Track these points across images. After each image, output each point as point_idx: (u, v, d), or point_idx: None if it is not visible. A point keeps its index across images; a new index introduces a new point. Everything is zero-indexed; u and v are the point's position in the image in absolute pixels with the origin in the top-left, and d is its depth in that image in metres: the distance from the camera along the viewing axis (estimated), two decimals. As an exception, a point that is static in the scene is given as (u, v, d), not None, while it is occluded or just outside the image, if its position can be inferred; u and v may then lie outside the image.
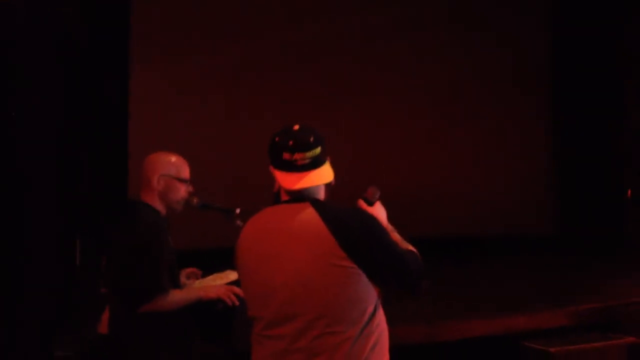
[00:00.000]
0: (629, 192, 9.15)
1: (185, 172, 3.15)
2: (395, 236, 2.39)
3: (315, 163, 2.24)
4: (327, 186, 2.34)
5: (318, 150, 2.25)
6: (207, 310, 3.06)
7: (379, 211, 2.49)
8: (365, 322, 2.17)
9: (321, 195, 2.32)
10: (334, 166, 2.34)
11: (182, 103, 7.38)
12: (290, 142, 2.24)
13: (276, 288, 2.20)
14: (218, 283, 3.21)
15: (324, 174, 2.27)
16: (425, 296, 2.30)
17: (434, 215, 8.06)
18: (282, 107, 7.53)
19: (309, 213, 2.20)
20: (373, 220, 2.25)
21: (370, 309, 2.19)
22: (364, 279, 2.16)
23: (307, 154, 2.23)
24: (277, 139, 2.27)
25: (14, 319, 4.32)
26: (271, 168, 2.30)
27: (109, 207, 5.67)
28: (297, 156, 2.23)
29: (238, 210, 3.30)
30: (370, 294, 2.19)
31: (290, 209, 2.25)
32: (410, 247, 2.36)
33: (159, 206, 3.11)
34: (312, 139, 2.25)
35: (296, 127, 2.28)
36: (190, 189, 3.18)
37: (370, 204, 2.49)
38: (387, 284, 2.23)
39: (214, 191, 4.67)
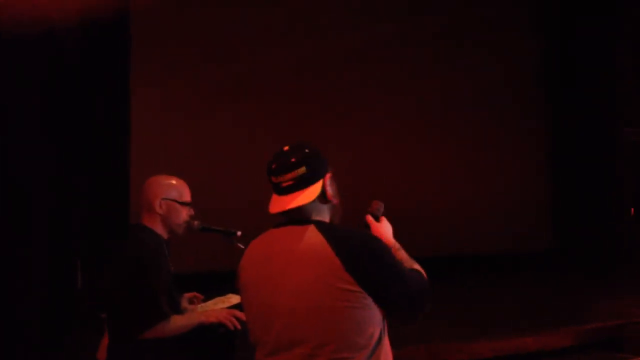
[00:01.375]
0: (632, 210, 9.16)
1: (187, 195, 3.13)
2: (401, 254, 2.34)
3: (300, 184, 2.19)
4: (332, 206, 2.28)
5: (302, 170, 2.19)
6: (208, 335, 3.02)
7: (385, 227, 2.42)
8: (372, 347, 2.12)
9: (324, 216, 2.26)
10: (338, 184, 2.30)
11: (184, 123, 7.39)
12: (273, 166, 2.23)
13: (280, 312, 2.15)
14: (220, 307, 3.18)
15: (310, 194, 2.20)
16: (426, 317, 2.25)
17: (431, 233, 8.03)
18: (282, 125, 7.54)
19: (314, 235, 2.15)
20: (378, 242, 2.20)
21: (377, 333, 2.14)
22: (370, 302, 2.11)
23: (287, 176, 2.19)
24: (268, 162, 2.25)
25: (13, 342, 4.28)
26: None
27: (110, 229, 5.65)
28: (280, 179, 2.21)
29: (239, 233, 3.27)
30: (376, 317, 2.14)
31: (294, 231, 2.20)
32: (416, 266, 2.32)
33: (161, 230, 3.08)
34: (294, 160, 2.20)
35: (286, 147, 2.25)
36: (192, 212, 3.16)
37: (377, 218, 2.43)
38: (393, 307, 2.18)
39: (215, 213, 4.64)
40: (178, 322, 2.94)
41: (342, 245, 2.11)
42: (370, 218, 2.42)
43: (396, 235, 2.42)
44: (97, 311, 3.22)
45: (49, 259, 4.76)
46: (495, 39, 8.97)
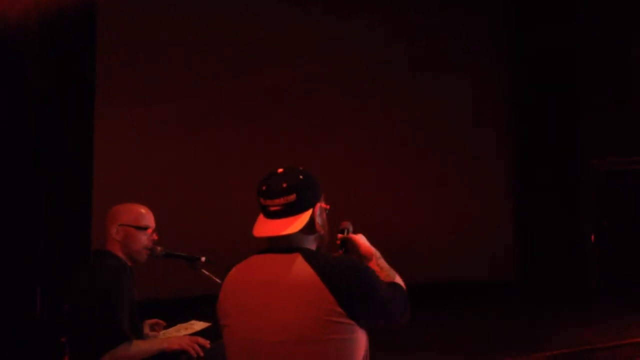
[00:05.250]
0: (592, 237, 9.28)
1: (145, 221, 3.08)
2: (382, 263, 2.32)
3: (288, 211, 2.12)
4: (320, 236, 2.21)
5: (292, 197, 2.12)
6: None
7: (360, 238, 2.38)
8: None
9: (311, 245, 2.18)
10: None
11: (148, 148, 7.29)
12: (264, 187, 2.16)
13: (264, 344, 2.07)
14: (182, 333, 3.12)
15: (298, 223, 2.12)
16: (392, 344, 2.23)
17: (404, 261, 8.00)
18: (255, 149, 7.50)
19: (301, 265, 2.06)
20: (367, 270, 2.12)
21: (362, 359, 2.10)
22: (358, 333, 2.06)
23: (276, 201, 2.12)
24: (259, 182, 2.18)
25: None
26: None
27: (71, 257, 5.54)
28: (268, 202, 2.14)
29: (203, 259, 3.22)
30: (362, 343, 2.09)
31: (279, 259, 2.11)
32: (397, 279, 2.29)
33: (123, 256, 3.03)
34: (284, 185, 2.12)
35: (280, 170, 2.18)
36: (154, 237, 3.10)
37: (345, 239, 2.39)
38: (381, 326, 2.14)
39: (181, 239, 4.58)
40: (140, 347, 2.88)
41: (333, 277, 2.04)
42: (340, 235, 2.38)
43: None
44: (57, 335, 3.15)
45: (8, 286, 4.66)
46: (465, 67, 9.08)
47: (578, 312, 7.46)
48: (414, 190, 8.78)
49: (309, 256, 2.10)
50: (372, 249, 2.35)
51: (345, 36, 8.41)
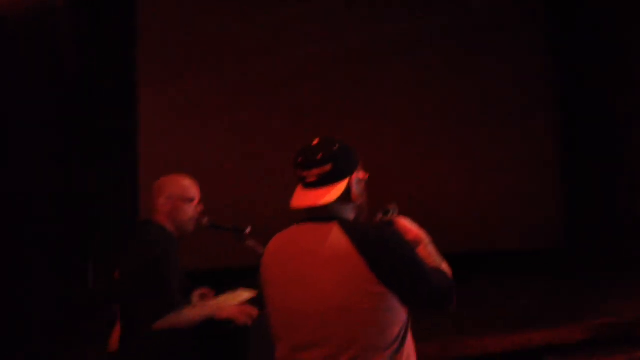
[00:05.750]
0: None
1: (192, 192, 3.15)
2: (430, 250, 2.31)
3: (324, 181, 2.16)
4: (358, 206, 2.24)
5: (327, 167, 2.15)
6: (219, 331, 3.04)
7: (407, 222, 2.37)
8: (396, 347, 2.09)
9: (348, 215, 2.22)
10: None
11: (192, 123, 7.40)
12: (300, 159, 2.20)
13: (304, 313, 2.12)
14: (230, 303, 3.19)
15: (334, 192, 2.15)
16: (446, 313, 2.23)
17: (444, 231, 7.98)
18: (290, 125, 7.54)
19: (338, 235, 2.10)
20: (403, 242, 2.14)
21: (401, 332, 2.11)
22: (395, 303, 2.08)
23: (312, 172, 2.16)
24: (296, 154, 2.22)
25: (27, 342, 4.31)
26: None
27: (120, 229, 5.68)
28: (305, 173, 2.18)
29: (248, 230, 3.29)
30: (400, 317, 2.11)
31: (317, 229, 2.16)
32: (444, 266, 2.28)
33: (170, 227, 3.11)
34: (320, 156, 2.16)
35: (315, 141, 2.21)
36: (200, 209, 3.17)
37: (390, 221, 2.39)
38: (417, 305, 2.14)
39: (225, 211, 4.65)
40: (189, 314, 2.97)
41: (367, 246, 2.07)
42: (382, 218, 2.38)
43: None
44: (109, 304, 3.25)
45: (61, 259, 4.80)
46: (505, 37, 8.95)
47: (622, 281, 7.38)
48: (454, 159, 8.72)
49: (345, 226, 2.13)
50: (421, 234, 2.35)
51: (384, 6, 8.35)
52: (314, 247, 2.14)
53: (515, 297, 6.72)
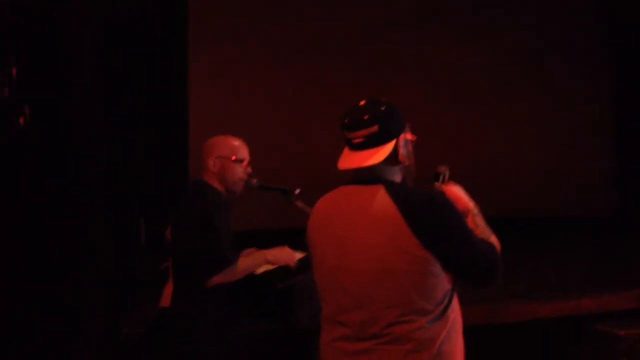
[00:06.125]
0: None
1: (241, 153, 3.17)
2: (479, 221, 2.28)
3: (371, 142, 2.14)
4: (406, 167, 2.23)
5: (374, 128, 2.14)
6: (267, 288, 3.08)
7: (456, 191, 2.33)
8: (440, 311, 2.09)
9: (395, 176, 2.20)
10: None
11: (242, 85, 7.42)
12: (347, 120, 2.19)
13: (347, 274, 2.13)
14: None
15: (381, 154, 2.14)
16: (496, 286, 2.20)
17: (494, 196, 7.92)
18: (339, 87, 7.50)
19: (383, 197, 2.09)
20: (448, 206, 2.11)
21: (445, 297, 2.11)
22: (438, 268, 2.06)
23: (359, 133, 2.15)
24: (342, 116, 2.21)
25: (81, 299, 4.42)
26: None
27: (171, 187, 5.77)
28: (351, 134, 2.17)
29: (297, 191, 3.30)
30: (444, 283, 2.09)
31: (363, 191, 2.16)
32: (492, 238, 2.24)
33: (219, 187, 3.14)
34: (367, 117, 2.15)
35: (362, 102, 2.20)
36: (249, 170, 3.19)
37: (442, 181, 2.35)
38: (460, 275, 2.13)
39: (273, 172, 4.68)
40: (243, 264, 3.01)
41: (411, 209, 2.06)
42: (443, 185, 2.34)
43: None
44: (161, 262, 3.31)
45: (112, 218, 4.89)
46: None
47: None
48: (510, 124, 8.60)
49: (390, 188, 2.12)
50: (470, 204, 2.31)
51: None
52: (358, 209, 2.14)
53: (566, 264, 6.65)
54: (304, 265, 3.07)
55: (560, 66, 8.80)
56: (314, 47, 7.73)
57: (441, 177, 2.37)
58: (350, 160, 2.17)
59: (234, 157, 3.14)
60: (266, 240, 3.53)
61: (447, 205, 2.12)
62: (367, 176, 2.17)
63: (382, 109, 2.18)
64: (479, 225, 2.27)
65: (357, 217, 2.13)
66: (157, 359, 3.20)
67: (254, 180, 3.26)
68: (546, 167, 8.62)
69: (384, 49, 7.97)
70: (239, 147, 3.17)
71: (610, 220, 8.69)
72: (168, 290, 3.15)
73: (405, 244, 2.04)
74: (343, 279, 2.14)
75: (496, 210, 7.46)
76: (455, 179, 2.40)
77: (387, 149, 2.16)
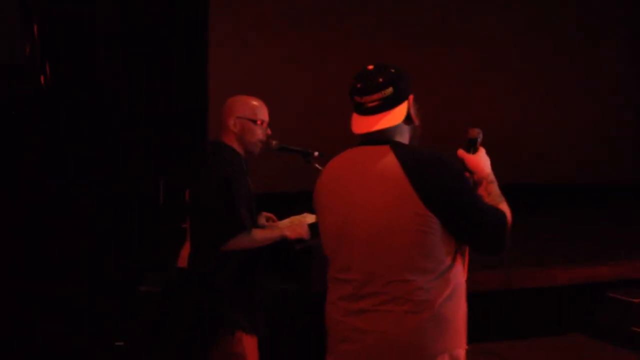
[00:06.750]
0: None
1: (262, 114, 3.16)
2: (491, 188, 2.25)
3: (386, 105, 2.16)
4: (413, 127, 2.24)
5: (389, 90, 2.15)
6: (285, 250, 3.10)
7: (482, 158, 2.29)
8: (440, 272, 2.10)
9: (404, 137, 2.23)
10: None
11: (261, 45, 7.38)
12: (359, 85, 2.19)
13: (351, 232, 2.16)
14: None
15: (397, 115, 2.17)
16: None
17: (517, 163, 7.89)
18: (361, 49, 7.44)
19: (388, 158, 2.12)
20: (455, 171, 2.13)
21: (447, 260, 2.11)
22: (440, 227, 2.08)
23: (374, 96, 2.16)
24: (352, 81, 2.22)
25: (99, 257, 4.47)
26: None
27: (190, 147, 5.77)
28: (365, 99, 2.17)
29: (316, 153, 3.30)
30: (447, 242, 2.11)
31: (369, 151, 2.18)
32: (502, 205, 2.21)
33: (238, 148, 3.14)
34: (381, 80, 2.16)
35: (370, 67, 2.21)
36: (269, 131, 3.19)
37: (475, 145, 2.30)
38: (463, 238, 2.14)
39: (293, 134, 4.67)
40: (259, 235, 3.03)
41: (415, 168, 2.08)
42: (461, 151, 2.30)
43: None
44: (179, 222, 3.33)
45: (131, 178, 4.92)
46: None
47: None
48: (532, 90, 8.52)
49: (397, 148, 2.14)
50: (485, 172, 2.28)
51: None
52: (364, 169, 2.17)
53: (583, 231, 6.64)
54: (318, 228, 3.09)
55: (589, 40, 8.73)
56: (341, 5, 7.65)
57: (477, 141, 2.32)
58: (367, 124, 2.18)
59: (253, 118, 3.13)
60: (285, 202, 3.54)
61: (451, 167, 2.13)
62: (376, 137, 2.19)
63: (393, 71, 2.20)
64: (491, 192, 2.25)
65: (363, 177, 2.16)
66: (175, 318, 3.23)
67: (274, 142, 3.26)
68: (568, 135, 8.58)
69: (412, 10, 7.89)
70: (259, 108, 3.16)
71: (626, 189, 8.64)
72: (185, 251, 3.17)
73: (409, 203, 2.07)
74: (347, 238, 2.17)
75: (517, 176, 7.52)
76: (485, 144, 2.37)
77: (401, 110, 2.19)
